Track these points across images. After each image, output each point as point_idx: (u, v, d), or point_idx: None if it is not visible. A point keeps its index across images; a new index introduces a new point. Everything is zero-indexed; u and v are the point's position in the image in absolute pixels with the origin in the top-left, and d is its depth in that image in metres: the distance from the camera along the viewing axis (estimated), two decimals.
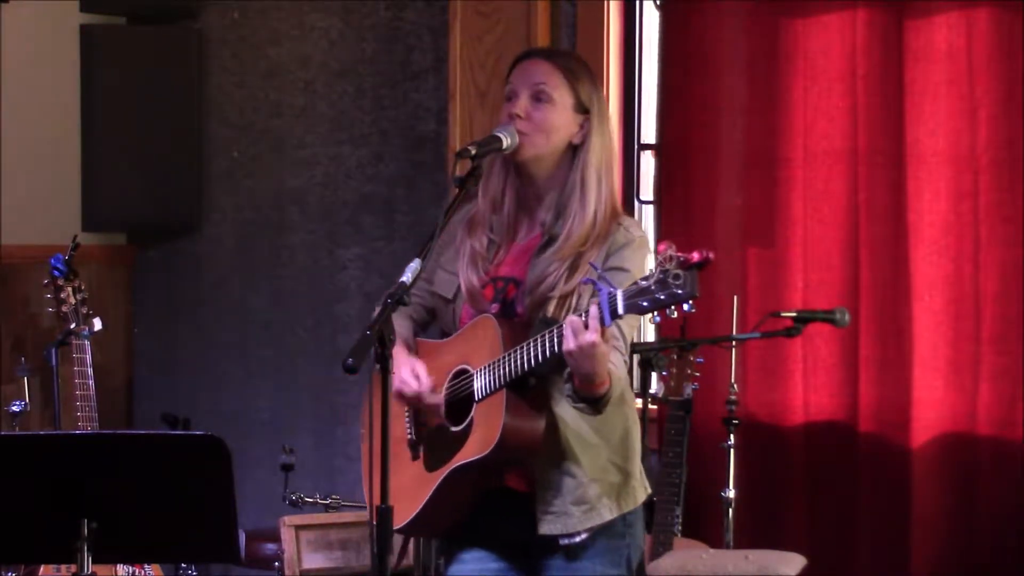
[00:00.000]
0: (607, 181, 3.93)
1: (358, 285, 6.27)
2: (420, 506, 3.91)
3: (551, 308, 3.83)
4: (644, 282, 3.55)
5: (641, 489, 3.98)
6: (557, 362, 3.72)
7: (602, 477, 3.90)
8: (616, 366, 3.81)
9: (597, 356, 3.66)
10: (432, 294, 4.04)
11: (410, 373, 3.90)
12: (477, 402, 3.85)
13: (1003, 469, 5.32)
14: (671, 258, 3.54)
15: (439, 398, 3.91)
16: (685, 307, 3.54)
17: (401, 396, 3.91)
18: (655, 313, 3.57)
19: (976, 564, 5.34)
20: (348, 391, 6.15)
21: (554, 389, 3.85)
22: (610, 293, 3.58)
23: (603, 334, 3.63)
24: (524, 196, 3.96)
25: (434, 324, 4.10)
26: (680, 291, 3.52)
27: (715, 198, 5.65)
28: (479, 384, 3.84)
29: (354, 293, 6.27)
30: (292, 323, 6.42)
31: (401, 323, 3.98)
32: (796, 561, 4.90)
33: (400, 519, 3.88)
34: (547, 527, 3.88)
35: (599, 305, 3.60)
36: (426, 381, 3.89)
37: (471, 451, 3.84)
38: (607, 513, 3.91)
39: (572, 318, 3.65)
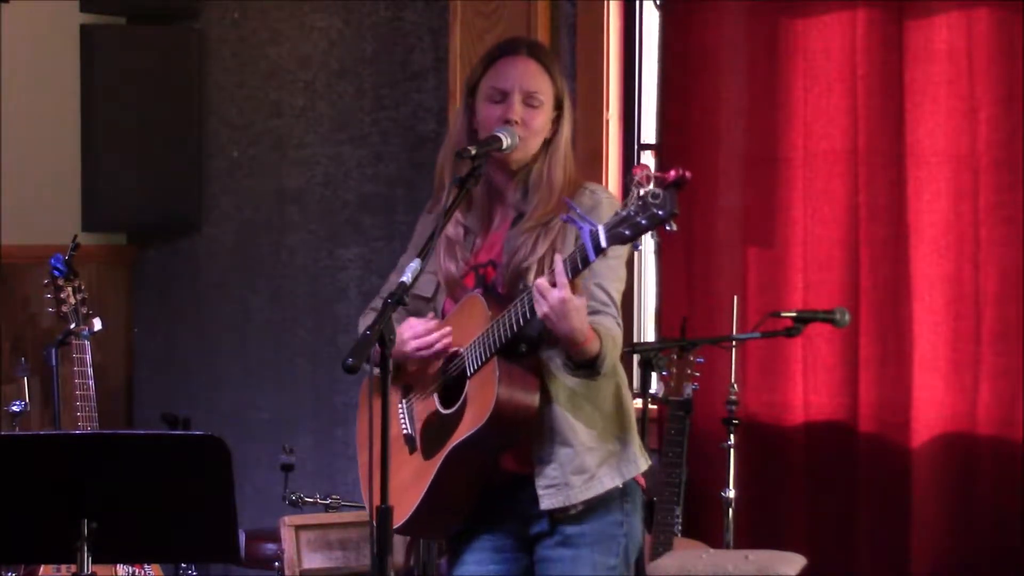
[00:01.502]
0: (570, 158, 3.98)
1: (358, 285, 6.27)
2: (421, 495, 3.90)
3: (531, 277, 3.83)
4: (623, 211, 3.53)
5: (642, 458, 3.97)
6: (540, 324, 3.72)
7: (600, 446, 3.90)
8: (607, 328, 3.81)
9: (571, 312, 3.65)
10: (413, 296, 4.04)
11: (411, 334, 3.90)
12: (470, 377, 3.85)
13: (1003, 469, 5.32)
14: (648, 178, 3.50)
15: (447, 339, 3.89)
16: (667, 228, 3.50)
17: (417, 352, 3.90)
18: (639, 240, 3.54)
19: (976, 564, 5.34)
20: (348, 391, 6.14)
21: (547, 361, 3.85)
22: (591, 230, 3.57)
23: (572, 287, 3.63)
24: (495, 185, 3.99)
25: None
26: (661, 211, 3.48)
27: (715, 198, 5.65)
28: (470, 359, 3.85)
29: (354, 293, 6.27)
30: (292, 323, 6.42)
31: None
32: (796, 561, 4.90)
33: (402, 514, 3.88)
34: (548, 501, 3.87)
35: (582, 244, 3.59)
36: (419, 326, 3.89)
37: (467, 427, 3.83)
38: (608, 481, 3.90)
39: (539, 281, 3.66)
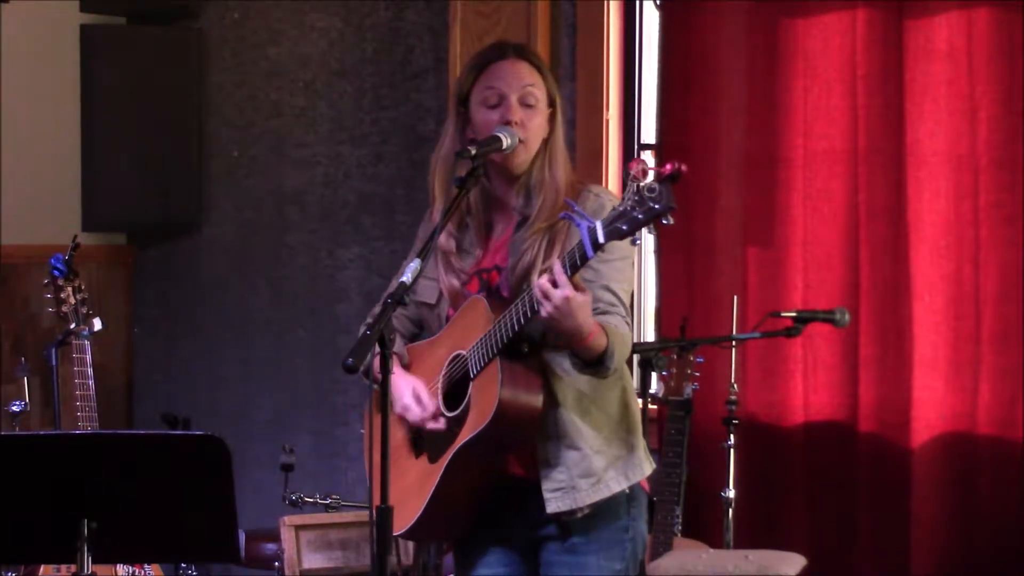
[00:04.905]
0: (566, 157, 3.97)
1: (358, 285, 6.27)
2: (426, 500, 3.89)
3: (535, 279, 3.82)
4: (620, 206, 3.52)
5: (647, 462, 3.96)
6: (541, 323, 3.72)
7: (606, 450, 3.89)
8: (615, 325, 3.80)
9: (575, 309, 3.64)
10: (416, 303, 4.03)
11: (412, 397, 3.91)
12: (473, 379, 3.84)
13: (1003, 469, 5.32)
14: (644, 172, 3.49)
15: (441, 423, 3.91)
16: (664, 221, 3.49)
17: (403, 420, 3.93)
18: (637, 235, 3.52)
19: (976, 564, 5.34)
20: (348, 391, 6.15)
21: (551, 362, 3.84)
22: (589, 226, 3.55)
23: (575, 285, 3.62)
24: (494, 192, 3.98)
25: (423, 334, 4.08)
26: (657, 205, 3.47)
27: (715, 198, 5.65)
28: (473, 360, 3.84)
29: (354, 293, 6.27)
30: (292, 323, 6.42)
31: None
32: (796, 561, 4.90)
33: (407, 518, 3.88)
34: (555, 504, 3.86)
35: (580, 242, 3.57)
36: (429, 404, 3.90)
37: (470, 428, 3.82)
38: (615, 485, 3.89)
39: (539, 281, 3.64)
